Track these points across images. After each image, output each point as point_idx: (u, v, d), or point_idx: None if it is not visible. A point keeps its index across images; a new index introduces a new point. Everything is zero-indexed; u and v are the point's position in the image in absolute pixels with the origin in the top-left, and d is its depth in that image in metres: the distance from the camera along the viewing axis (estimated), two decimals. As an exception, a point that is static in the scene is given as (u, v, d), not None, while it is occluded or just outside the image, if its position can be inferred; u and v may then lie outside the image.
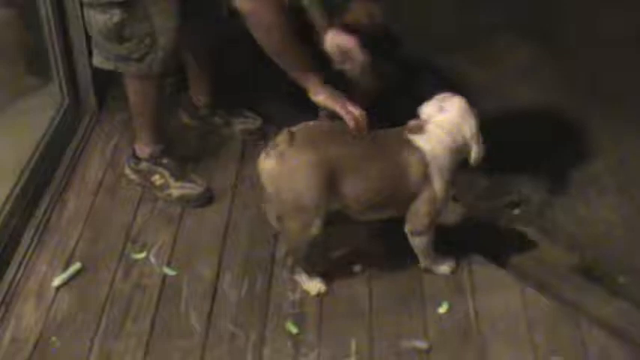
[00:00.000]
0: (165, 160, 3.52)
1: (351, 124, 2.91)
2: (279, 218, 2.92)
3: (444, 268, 3.07)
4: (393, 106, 4.53)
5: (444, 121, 2.85)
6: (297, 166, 2.67)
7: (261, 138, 3.79)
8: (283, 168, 2.68)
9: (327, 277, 3.06)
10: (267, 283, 3.06)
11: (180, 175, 3.51)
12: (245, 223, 3.36)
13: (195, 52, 3.76)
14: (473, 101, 3.09)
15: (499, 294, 3.00)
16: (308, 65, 3.07)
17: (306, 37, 3.36)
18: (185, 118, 3.99)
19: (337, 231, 3.11)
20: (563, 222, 4.07)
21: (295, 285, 3.04)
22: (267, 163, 2.71)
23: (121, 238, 3.32)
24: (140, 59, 3.20)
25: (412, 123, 2.88)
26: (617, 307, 3.15)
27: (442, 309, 2.91)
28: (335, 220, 2.93)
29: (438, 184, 2.82)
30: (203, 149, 3.84)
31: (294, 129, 2.73)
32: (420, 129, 2.84)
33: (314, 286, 2.99)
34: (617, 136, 4.72)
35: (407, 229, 2.94)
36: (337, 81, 4.34)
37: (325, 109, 3.12)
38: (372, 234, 3.27)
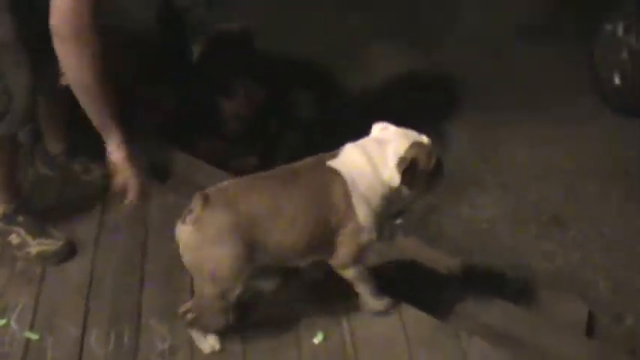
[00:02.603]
0: (20, 218, 3.32)
1: (131, 194, 2.79)
2: (195, 282, 2.70)
3: (378, 304, 2.87)
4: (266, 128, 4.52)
5: (366, 142, 2.66)
6: (215, 233, 2.46)
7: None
8: (200, 236, 2.48)
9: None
10: (135, 335, 2.90)
11: (37, 232, 3.31)
12: (109, 274, 3.19)
13: (46, 98, 3.56)
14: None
15: (376, 316, 2.90)
16: (116, 116, 2.81)
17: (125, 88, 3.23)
18: (42, 169, 3.79)
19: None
20: (447, 226, 4.07)
21: (165, 334, 2.89)
22: (183, 232, 2.50)
23: (-20, 306, 3.11)
24: None
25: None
26: (500, 308, 3.12)
27: (317, 339, 2.80)
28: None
29: (363, 213, 2.59)
30: (63, 200, 3.64)
31: (208, 191, 2.52)
32: (335, 155, 2.64)
33: (209, 344, 2.79)
34: (494, 134, 4.78)
35: (333, 264, 2.71)
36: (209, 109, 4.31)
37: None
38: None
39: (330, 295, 2.93)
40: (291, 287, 2.96)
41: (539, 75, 5.37)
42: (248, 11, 5.23)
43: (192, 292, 2.80)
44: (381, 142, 2.61)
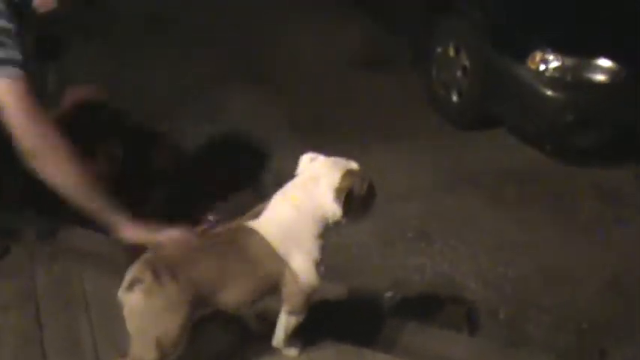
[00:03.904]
0: None
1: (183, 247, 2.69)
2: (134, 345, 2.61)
3: (293, 350, 2.90)
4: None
5: (295, 184, 2.65)
6: (164, 303, 2.46)
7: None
8: (148, 306, 2.46)
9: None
10: None
11: None
12: (8, 357, 3.08)
13: None
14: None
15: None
16: (110, 198, 2.82)
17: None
18: None
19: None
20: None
21: None
22: (132, 299, 2.47)
23: None
24: None
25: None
26: (392, 324, 3.28)
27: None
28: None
29: (296, 260, 2.59)
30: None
31: (151, 258, 2.51)
32: (257, 213, 2.63)
33: None
34: (361, 160, 4.99)
35: (284, 310, 2.72)
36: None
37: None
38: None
39: (236, 335, 3.00)
40: (199, 331, 2.99)
41: (382, 101, 5.69)
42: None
43: (97, 353, 2.81)
44: (312, 179, 2.63)
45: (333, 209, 2.58)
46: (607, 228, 4.54)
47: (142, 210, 4.39)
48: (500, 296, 3.95)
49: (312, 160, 2.67)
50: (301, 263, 2.60)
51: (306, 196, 2.60)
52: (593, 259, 4.28)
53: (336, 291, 3.55)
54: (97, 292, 3.19)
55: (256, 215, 2.63)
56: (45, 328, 3.07)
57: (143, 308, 2.47)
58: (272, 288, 2.64)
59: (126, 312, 2.49)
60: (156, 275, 2.44)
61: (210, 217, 4.40)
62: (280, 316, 2.76)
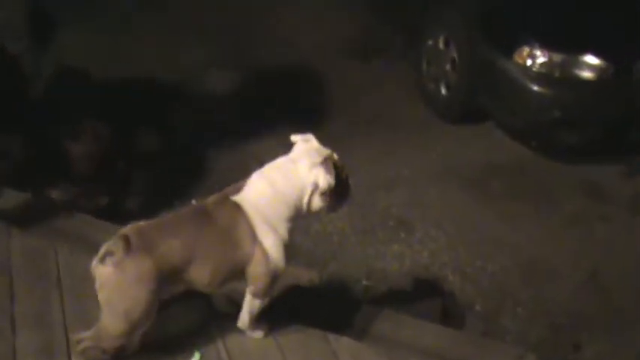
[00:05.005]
0: None
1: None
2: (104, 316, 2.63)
3: (258, 332, 2.92)
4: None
5: (268, 170, 2.70)
6: (135, 277, 2.50)
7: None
8: (119, 279, 2.51)
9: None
10: None
11: None
12: None
13: None
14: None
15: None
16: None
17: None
18: None
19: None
20: (299, 241, 4.21)
21: None
22: (103, 271, 2.51)
23: None
24: None
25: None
26: (364, 311, 3.29)
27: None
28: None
29: (268, 241, 2.64)
30: None
31: (127, 232, 2.54)
32: (238, 188, 2.68)
33: None
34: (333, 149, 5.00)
35: (248, 291, 2.75)
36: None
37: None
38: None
39: (202, 314, 3.01)
40: (166, 310, 3.01)
41: (371, 92, 5.69)
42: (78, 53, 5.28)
43: (66, 328, 2.83)
44: (291, 160, 2.68)
45: (317, 176, 2.62)
46: (590, 224, 4.55)
47: (125, 190, 4.45)
48: (478, 289, 3.97)
49: (305, 140, 2.73)
50: (272, 244, 2.64)
51: (283, 177, 2.65)
52: (574, 254, 4.29)
53: (309, 277, 3.58)
54: (70, 268, 3.21)
55: (237, 191, 2.68)
56: (16, 300, 3.08)
57: (114, 281, 2.52)
58: (241, 268, 2.67)
59: (97, 284, 2.54)
60: (128, 249, 2.48)
61: (193, 201, 4.42)
62: (245, 298, 2.79)
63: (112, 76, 5.22)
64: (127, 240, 2.50)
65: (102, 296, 2.56)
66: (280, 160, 2.71)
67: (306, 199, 2.66)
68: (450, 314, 3.75)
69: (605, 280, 4.11)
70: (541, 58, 4.67)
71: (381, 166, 4.85)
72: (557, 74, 4.70)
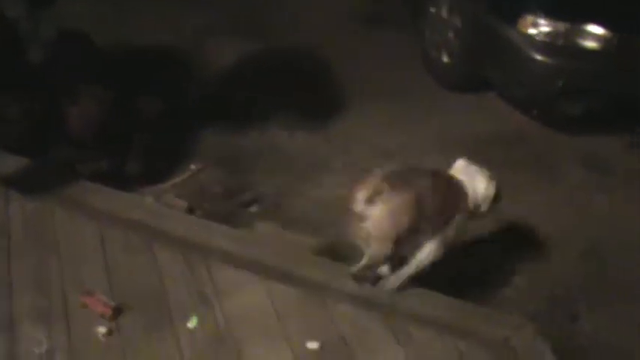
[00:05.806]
0: None
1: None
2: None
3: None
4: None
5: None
6: (402, 208, 3.00)
7: None
8: (390, 210, 2.99)
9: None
10: (9, 341, 2.81)
11: None
12: None
13: None
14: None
15: (244, 294, 3.01)
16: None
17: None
18: None
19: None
20: (301, 208, 4.21)
21: (41, 338, 2.82)
22: (374, 209, 2.97)
23: None
24: None
25: None
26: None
27: (191, 323, 2.88)
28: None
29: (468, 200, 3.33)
30: None
31: (386, 175, 3.05)
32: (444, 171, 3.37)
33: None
34: (337, 117, 5.00)
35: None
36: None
37: None
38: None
39: (199, 279, 3.02)
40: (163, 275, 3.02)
41: (378, 59, 5.66)
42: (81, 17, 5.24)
43: (64, 292, 2.83)
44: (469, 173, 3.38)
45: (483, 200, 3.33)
46: (590, 195, 4.53)
47: (125, 155, 4.43)
48: (476, 258, 3.95)
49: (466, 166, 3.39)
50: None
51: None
52: (574, 226, 4.27)
53: (308, 243, 3.57)
54: (68, 232, 3.21)
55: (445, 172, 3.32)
56: (14, 263, 3.08)
57: (386, 212, 2.98)
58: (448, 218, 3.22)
59: (369, 223, 2.99)
60: (392, 185, 2.98)
61: (193, 166, 4.40)
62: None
63: (114, 41, 5.18)
64: (388, 179, 3.00)
65: (374, 230, 3.01)
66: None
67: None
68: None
69: (604, 252, 4.09)
70: (545, 27, 4.62)
71: (383, 133, 4.83)
72: (560, 43, 4.65)
